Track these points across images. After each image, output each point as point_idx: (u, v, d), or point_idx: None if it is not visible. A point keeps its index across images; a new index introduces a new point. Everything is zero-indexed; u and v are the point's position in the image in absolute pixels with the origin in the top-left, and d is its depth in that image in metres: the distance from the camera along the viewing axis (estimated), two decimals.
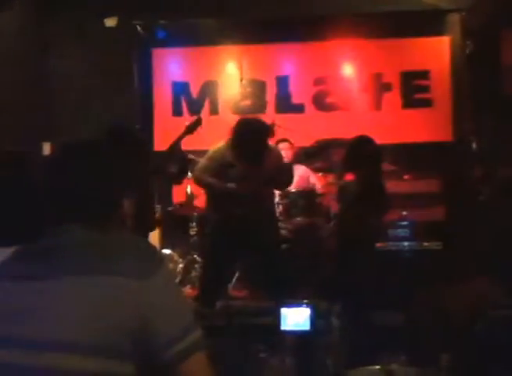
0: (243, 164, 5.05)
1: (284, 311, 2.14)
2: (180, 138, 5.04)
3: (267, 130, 5.22)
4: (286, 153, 6.22)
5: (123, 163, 1.74)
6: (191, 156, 6.20)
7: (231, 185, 5.03)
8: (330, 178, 6.79)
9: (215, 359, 1.65)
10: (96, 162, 1.68)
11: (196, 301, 5.17)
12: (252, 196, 5.03)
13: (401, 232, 6.33)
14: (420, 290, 3.93)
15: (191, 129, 5.10)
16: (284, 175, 5.32)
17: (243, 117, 5.44)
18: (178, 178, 5.73)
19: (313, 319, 2.10)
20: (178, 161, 5.42)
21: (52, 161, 1.75)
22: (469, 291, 3.72)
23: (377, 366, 2.05)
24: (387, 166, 6.57)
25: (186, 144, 5.90)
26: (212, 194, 5.29)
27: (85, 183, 1.65)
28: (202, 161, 5.30)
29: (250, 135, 5.05)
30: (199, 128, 5.12)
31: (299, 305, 2.13)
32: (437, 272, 4.43)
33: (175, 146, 4.99)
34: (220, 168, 5.05)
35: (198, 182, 5.35)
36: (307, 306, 2.12)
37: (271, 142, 5.45)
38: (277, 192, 6.05)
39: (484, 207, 4.48)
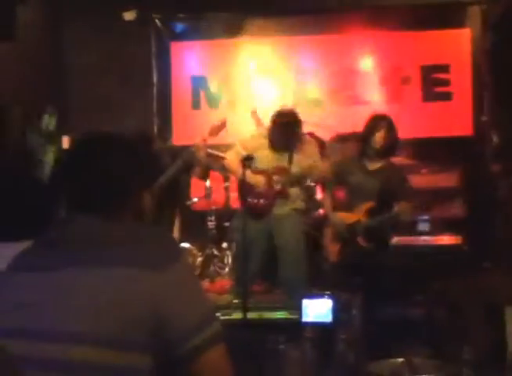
0: (274, 151, 5.08)
1: (306, 302, 2.13)
2: (204, 140, 5.08)
3: (294, 117, 5.24)
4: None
5: (143, 155, 1.73)
6: (210, 150, 6.21)
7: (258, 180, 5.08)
8: None
9: (234, 352, 1.64)
10: (110, 153, 1.68)
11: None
12: (278, 191, 5.09)
13: (419, 226, 6.31)
14: (436, 284, 3.91)
15: (215, 132, 5.16)
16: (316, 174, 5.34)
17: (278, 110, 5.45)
18: (204, 176, 5.76)
19: (335, 311, 2.09)
20: (201, 161, 5.45)
21: (69, 152, 1.75)
22: (484, 285, 3.70)
23: (400, 359, 2.03)
24: (404, 160, 6.53)
25: None
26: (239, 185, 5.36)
27: (101, 173, 1.64)
28: (237, 146, 5.36)
29: (278, 120, 5.14)
30: (222, 131, 5.18)
31: (321, 296, 2.11)
32: (454, 267, 4.41)
33: (200, 147, 5.03)
34: (242, 161, 5.08)
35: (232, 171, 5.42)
36: (328, 298, 2.10)
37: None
38: None
39: (502, 202, 4.44)
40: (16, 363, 1.38)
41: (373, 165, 5.10)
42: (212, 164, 6.12)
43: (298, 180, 5.26)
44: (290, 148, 5.19)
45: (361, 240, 4.87)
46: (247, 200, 5.13)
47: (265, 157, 5.19)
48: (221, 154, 5.88)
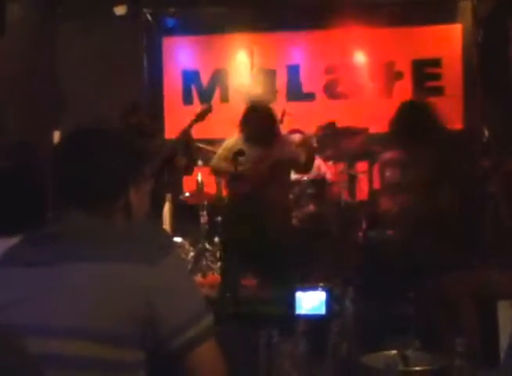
0: (251, 147, 5.10)
1: (299, 295, 2.13)
2: (191, 125, 5.06)
3: (270, 110, 5.28)
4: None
5: (132, 149, 1.72)
6: (201, 145, 6.20)
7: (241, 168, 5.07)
8: (341, 166, 6.75)
9: (226, 346, 1.64)
10: (98, 147, 1.66)
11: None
12: (262, 180, 5.05)
13: None
14: (426, 278, 3.92)
15: (201, 116, 5.14)
16: (298, 163, 5.33)
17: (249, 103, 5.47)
18: (188, 169, 5.75)
19: (329, 303, 2.09)
20: (187, 152, 5.44)
21: (57, 147, 1.74)
22: (475, 279, 3.71)
23: (393, 352, 2.04)
24: (396, 154, 6.53)
25: (197, 133, 5.90)
26: (227, 179, 5.38)
27: (89, 168, 1.63)
28: (218, 152, 5.39)
29: (254, 114, 5.19)
30: (209, 115, 5.16)
31: (315, 288, 2.12)
32: (443, 261, 4.41)
33: (186, 133, 5.01)
34: (233, 157, 5.09)
35: (215, 170, 5.43)
36: (322, 290, 2.10)
37: (283, 131, 5.49)
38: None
39: (492, 197, 4.45)
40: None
41: None
42: (199, 156, 6.12)
43: (282, 168, 5.26)
44: (268, 140, 5.19)
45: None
46: (238, 188, 5.16)
47: (246, 156, 5.19)
48: (209, 148, 5.89)
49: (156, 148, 5.13)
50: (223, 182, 5.68)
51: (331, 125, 5.49)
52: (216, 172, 5.51)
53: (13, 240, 1.66)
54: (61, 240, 1.58)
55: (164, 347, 1.53)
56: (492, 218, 4.22)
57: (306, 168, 5.56)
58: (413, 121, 4.31)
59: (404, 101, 4.71)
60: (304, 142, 5.41)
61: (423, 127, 4.24)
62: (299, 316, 2.15)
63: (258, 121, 5.19)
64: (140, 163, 1.73)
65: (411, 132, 4.24)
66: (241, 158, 5.06)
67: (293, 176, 5.97)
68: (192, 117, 5.26)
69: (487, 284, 3.63)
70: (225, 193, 5.78)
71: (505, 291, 3.60)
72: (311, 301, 2.14)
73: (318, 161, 6.82)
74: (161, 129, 7.32)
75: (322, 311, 2.10)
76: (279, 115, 5.63)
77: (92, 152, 1.65)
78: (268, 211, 5.10)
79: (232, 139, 5.35)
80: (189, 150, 5.40)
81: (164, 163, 5.14)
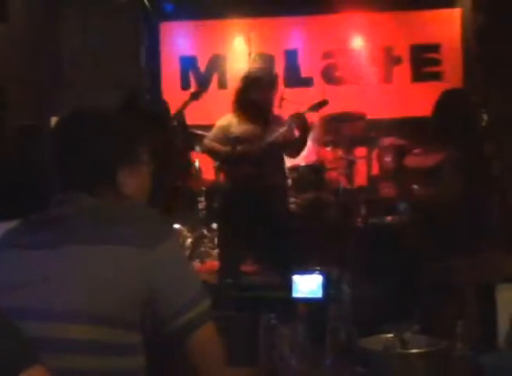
0: (246, 125, 5.03)
1: (296, 278, 2.13)
2: (185, 104, 5.03)
3: (265, 77, 5.21)
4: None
5: (122, 131, 1.71)
6: (199, 131, 6.18)
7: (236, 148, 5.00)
8: (339, 152, 6.74)
9: (224, 331, 1.63)
10: (93, 129, 1.68)
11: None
12: (259, 160, 4.99)
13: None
14: (429, 262, 3.92)
15: (196, 96, 5.10)
16: (294, 143, 5.27)
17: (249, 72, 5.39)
18: (184, 153, 5.73)
19: (325, 287, 2.09)
20: (183, 135, 5.42)
21: (51, 131, 1.75)
22: (479, 263, 3.71)
23: (391, 334, 2.03)
24: (395, 140, 6.53)
25: (194, 119, 5.88)
26: (221, 164, 5.31)
27: (78, 150, 1.64)
28: (212, 131, 5.31)
29: (249, 82, 5.08)
30: (205, 98, 5.11)
31: (311, 272, 2.12)
32: (447, 246, 4.41)
33: (180, 114, 4.97)
34: (226, 138, 5.03)
35: (207, 149, 5.34)
36: (319, 273, 2.10)
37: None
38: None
39: (495, 181, 4.43)
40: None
41: None
42: (196, 142, 6.08)
43: (277, 147, 5.19)
44: (261, 111, 5.10)
45: None
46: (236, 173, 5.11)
47: (242, 132, 5.11)
48: (205, 133, 5.87)
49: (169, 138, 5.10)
50: (218, 165, 5.59)
51: (323, 104, 5.38)
52: (208, 152, 5.38)
53: (11, 224, 1.65)
54: (60, 223, 1.58)
55: (164, 330, 1.54)
56: (497, 203, 4.21)
57: (300, 147, 5.40)
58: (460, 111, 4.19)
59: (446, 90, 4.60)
60: (298, 118, 5.28)
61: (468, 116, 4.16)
62: (296, 299, 2.15)
63: (251, 86, 5.06)
64: (132, 144, 1.73)
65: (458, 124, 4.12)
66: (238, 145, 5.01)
67: (291, 162, 5.93)
68: (186, 98, 5.20)
69: (488, 268, 3.62)
70: (221, 176, 5.72)
71: (505, 274, 3.60)
72: (308, 285, 2.14)
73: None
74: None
75: (320, 294, 2.10)
76: (277, 100, 5.58)
77: (88, 134, 1.67)
78: (266, 194, 5.05)
79: (225, 118, 5.21)
80: (184, 132, 5.36)
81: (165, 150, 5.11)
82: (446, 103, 4.32)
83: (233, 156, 5.01)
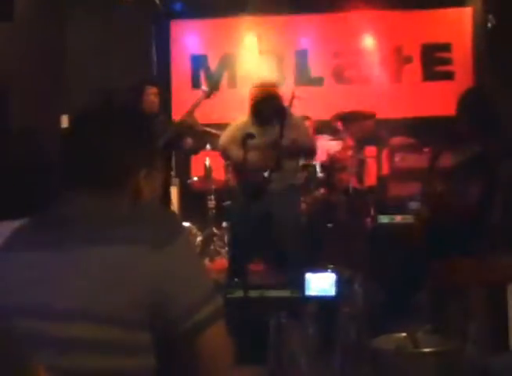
0: (260, 129, 5.07)
1: (309, 276, 2.13)
2: (197, 103, 5.04)
3: (276, 91, 5.26)
4: None
5: (145, 133, 1.71)
6: (210, 129, 6.19)
7: (251, 156, 5.01)
8: (349, 152, 6.72)
9: (234, 330, 1.63)
10: (108, 129, 1.65)
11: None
12: (273, 165, 5.02)
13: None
14: (437, 263, 3.90)
15: (208, 94, 5.11)
16: (306, 145, 5.30)
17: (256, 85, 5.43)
18: (196, 149, 5.73)
19: (338, 285, 2.08)
20: (193, 133, 5.43)
21: (67, 131, 1.73)
22: (486, 263, 3.69)
23: (403, 334, 2.02)
24: (405, 139, 6.51)
25: (205, 117, 5.89)
26: (235, 165, 5.34)
27: (96, 151, 1.61)
28: (226, 133, 5.34)
29: (262, 95, 5.13)
30: (217, 98, 5.12)
31: (324, 270, 2.11)
32: (455, 247, 4.39)
33: (190, 114, 4.99)
34: (242, 140, 5.06)
35: (223, 151, 5.39)
36: (332, 272, 2.09)
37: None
38: None
39: (502, 183, 4.41)
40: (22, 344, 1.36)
41: None
42: (207, 140, 6.10)
43: (292, 153, 5.22)
44: (279, 120, 5.15)
45: None
46: (245, 179, 5.12)
47: (258, 131, 5.14)
48: (214, 131, 5.87)
49: (161, 125, 5.12)
50: (231, 167, 5.62)
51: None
52: (223, 153, 5.44)
53: (16, 224, 1.65)
54: (70, 223, 1.57)
55: (174, 329, 1.51)
56: (501, 202, 4.19)
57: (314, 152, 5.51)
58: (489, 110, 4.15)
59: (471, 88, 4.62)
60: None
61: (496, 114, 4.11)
62: (308, 297, 2.14)
63: (265, 102, 5.14)
64: (152, 148, 1.72)
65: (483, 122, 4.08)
66: (250, 141, 5.01)
67: (302, 161, 5.93)
68: (198, 97, 5.23)
69: (497, 268, 3.60)
70: (233, 178, 5.74)
71: None
72: (320, 283, 2.14)
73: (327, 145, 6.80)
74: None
75: (332, 293, 2.09)
76: (288, 99, 5.58)
77: (102, 134, 1.63)
78: (277, 198, 5.07)
79: (242, 121, 5.29)
80: (194, 130, 5.38)
81: (169, 145, 5.13)
82: (474, 101, 4.29)
83: (245, 163, 5.04)
